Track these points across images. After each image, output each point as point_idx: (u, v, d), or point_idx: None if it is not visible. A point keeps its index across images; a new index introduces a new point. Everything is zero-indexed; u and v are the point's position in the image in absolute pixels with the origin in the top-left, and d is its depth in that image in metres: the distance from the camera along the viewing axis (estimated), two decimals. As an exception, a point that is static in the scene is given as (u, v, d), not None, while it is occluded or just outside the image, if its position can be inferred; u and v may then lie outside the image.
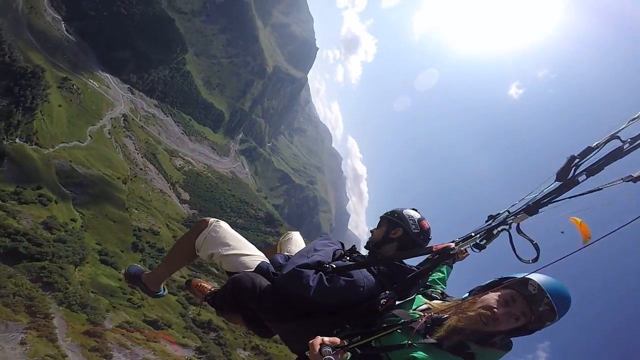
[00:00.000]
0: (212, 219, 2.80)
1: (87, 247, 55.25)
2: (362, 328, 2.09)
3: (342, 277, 2.25)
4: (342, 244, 2.78)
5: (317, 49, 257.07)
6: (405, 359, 1.84)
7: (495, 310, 1.86)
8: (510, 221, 2.02)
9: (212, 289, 3.01)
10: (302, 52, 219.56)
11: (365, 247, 2.83)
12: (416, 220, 2.63)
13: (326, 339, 1.69)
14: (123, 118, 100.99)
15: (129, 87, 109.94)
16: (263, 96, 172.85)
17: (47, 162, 64.84)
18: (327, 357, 1.60)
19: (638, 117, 1.72)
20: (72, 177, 67.72)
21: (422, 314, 2.06)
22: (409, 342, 1.88)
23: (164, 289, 3.18)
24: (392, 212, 2.76)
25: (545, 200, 1.88)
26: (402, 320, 1.99)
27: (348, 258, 2.56)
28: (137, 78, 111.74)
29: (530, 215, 1.93)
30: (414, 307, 2.20)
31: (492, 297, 1.92)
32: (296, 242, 3.27)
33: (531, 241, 1.93)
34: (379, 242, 2.71)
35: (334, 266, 2.32)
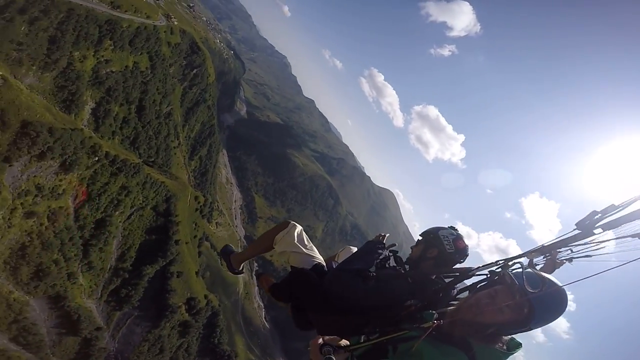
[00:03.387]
0: (291, 223, 3.45)
1: None
2: (384, 328, 2.38)
3: (376, 283, 2.65)
4: (387, 256, 3.11)
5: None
6: (410, 348, 2.03)
7: (480, 302, 2.12)
8: (525, 257, 2.25)
9: (275, 282, 3.60)
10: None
11: (406, 263, 3.14)
12: (451, 240, 2.91)
13: (328, 338, 1.78)
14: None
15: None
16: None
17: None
18: (327, 356, 1.66)
19: None
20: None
21: (436, 318, 2.21)
22: (418, 334, 2.04)
23: (243, 269, 3.95)
24: (429, 233, 3.06)
25: (559, 244, 2.22)
26: (421, 324, 2.11)
27: (390, 267, 2.99)
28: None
29: (543, 255, 2.26)
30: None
31: (482, 293, 2.19)
32: (351, 253, 3.68)
33: (539, 275, 2.05)
34: (417, 259, 3.05)
35: (374, 274, 2.73)
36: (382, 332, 2.21)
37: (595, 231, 2.07)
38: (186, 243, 75.46)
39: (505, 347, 2.09)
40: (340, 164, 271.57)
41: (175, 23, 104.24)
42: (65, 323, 53.55)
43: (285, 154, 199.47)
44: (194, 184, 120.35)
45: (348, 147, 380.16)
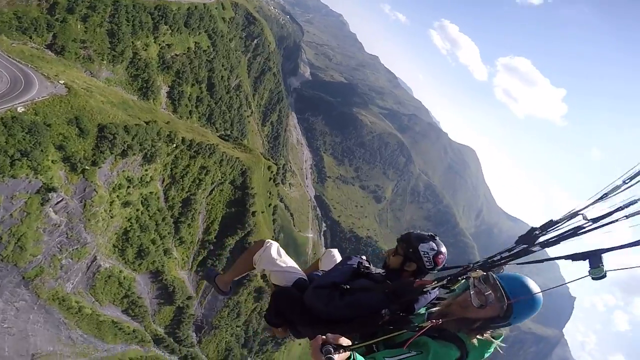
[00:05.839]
0: (266, 241, 3.52)
1: None
2: (369, 335, 2.52)
3: (350, 296, 2.77)
4: (361, 262, 3.15)
5: (574, 298, 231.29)
6: (403, 340, 2.28)
7: (467, 299, 2.33)
8: (470, 273, 2.38)
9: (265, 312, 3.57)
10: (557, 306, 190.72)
11: (382, 267, 3.16)
12: (431, 257, 2.86)
13: (331, 336, 1.78)
14: None
15: None
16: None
17: None
18: (328, 356, 1.64)
19: (601, 198, 1.88)
20: None
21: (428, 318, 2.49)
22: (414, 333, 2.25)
23: (230, 290, 3.96)
24: (408, 246, 2.93)
25: (498, 261, 2.32)
26: (412, 324, 2.44)
27: (365, 275, 3.02)
28: None
29: (485, 271, 2.34)
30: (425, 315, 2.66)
31: (469, 291, 2.36)
32: (333, 257, 3.87)
33: (482, 291, 2.24)
34: (394, 269, 3.02)
35: (348, 287, 2.83)
36: (382, 333, 2.49)
37: (534, 249, 2.09)
38: (262, 212, 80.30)
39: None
40: (413, 120, 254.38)
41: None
42: (164, 294, 63.50)
43: (352, 113, 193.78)
44: (268, 148, 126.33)
45: (421, 102, 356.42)
